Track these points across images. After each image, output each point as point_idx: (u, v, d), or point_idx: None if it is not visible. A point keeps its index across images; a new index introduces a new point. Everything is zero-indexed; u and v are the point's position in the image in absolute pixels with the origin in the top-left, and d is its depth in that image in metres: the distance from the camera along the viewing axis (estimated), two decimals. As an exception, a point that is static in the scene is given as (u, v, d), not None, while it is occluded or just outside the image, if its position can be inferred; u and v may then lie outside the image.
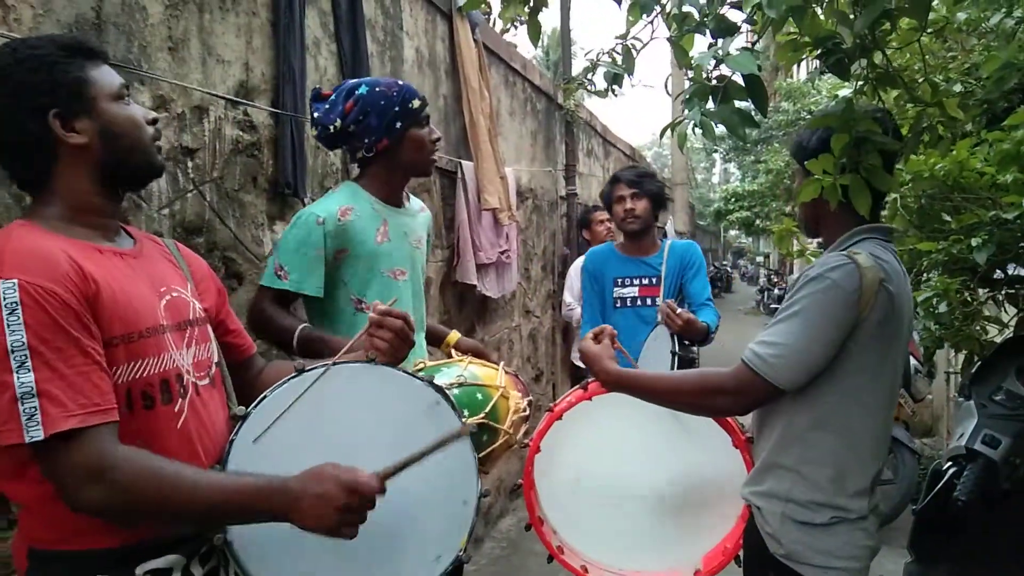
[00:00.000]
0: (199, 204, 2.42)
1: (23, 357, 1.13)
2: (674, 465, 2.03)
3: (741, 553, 1.93)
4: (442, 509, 1.51)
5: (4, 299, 1.13)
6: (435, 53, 4.24)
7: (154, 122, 1.41)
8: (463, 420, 1.52)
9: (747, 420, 1.99)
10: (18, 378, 1.12)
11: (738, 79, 1.31)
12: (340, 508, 1.25)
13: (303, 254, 2.16)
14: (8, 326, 1.13)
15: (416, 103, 2.28)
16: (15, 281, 1.15)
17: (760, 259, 34.52)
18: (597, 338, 1.94)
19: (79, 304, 1.19)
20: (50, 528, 1.26)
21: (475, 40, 4.52)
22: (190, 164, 2.37)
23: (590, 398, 1.99)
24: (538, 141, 6.28)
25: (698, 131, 1.36)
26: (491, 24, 5.83)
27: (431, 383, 1.52)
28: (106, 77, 1.35)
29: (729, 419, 1.96)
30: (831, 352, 1.65)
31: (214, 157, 2.48)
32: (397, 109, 2.24)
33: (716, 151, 22.24)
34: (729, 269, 34.02)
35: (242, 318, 2.43)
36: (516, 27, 7.46)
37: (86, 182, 1.32)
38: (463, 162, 4.36)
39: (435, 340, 2.59)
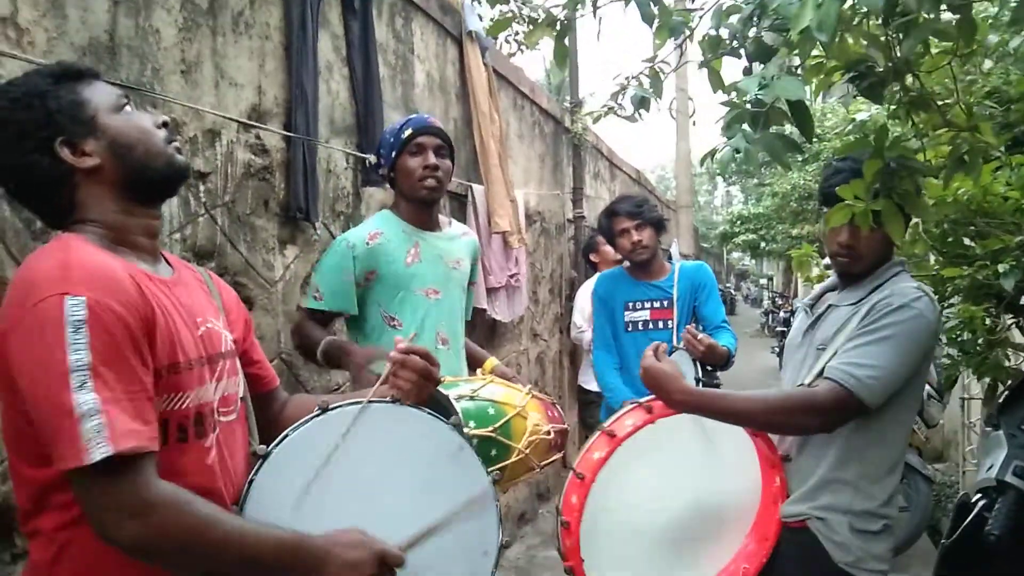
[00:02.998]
0: (210, 228, 2.38)
1: (84, 377, 1.08)
2: (696, 492, 1.96)
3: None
4: (462, 560, 1.47)
5: (70, 316, 1.09)
6: (446, 77, 4.23)
7: (164, 125, 1.36)
8: (490, 473, 1.50)
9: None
10: (78, 397, 1.07)
11: (780, 104, 1.27)
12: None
13: (334, 277, 2.31)
14: (71, 344, 1.08)
15: (407, 132, 2.36)
16: (84, 299, 1.10)
17: (763, 281, 34.49)
18: (656, 356, 1.84)
19: (139, 330, 1.16)
20: (71, 563, 1.21)
21: (485, 64, 4.51)
22: (202, 188, 2.34)
23: (654, 421, 1.85)
24: (546, 164, 6.26)
25: (739, 157, 1.32)
26: (499, 48, 5.83)
27: (456, 427, 1.49)
28: (100, 93, 1.30)
29: (769, 438, 1.95)
30: (910, 376, 1.80)
31: (226, 181, 2.45)
32: (392, 140, 2.39)
33: (719, 174, 22.26)
34: (733, 292, 33.99)
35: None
36: (523, 51, 7.48)
37: (112, 203, 1.28)
38: (473, 185, 4.33)
39: (474, 364, 2.58)
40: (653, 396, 1.87)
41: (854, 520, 1.83)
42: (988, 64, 3.12)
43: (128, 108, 1.33)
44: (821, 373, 1.84)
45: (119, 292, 1.15)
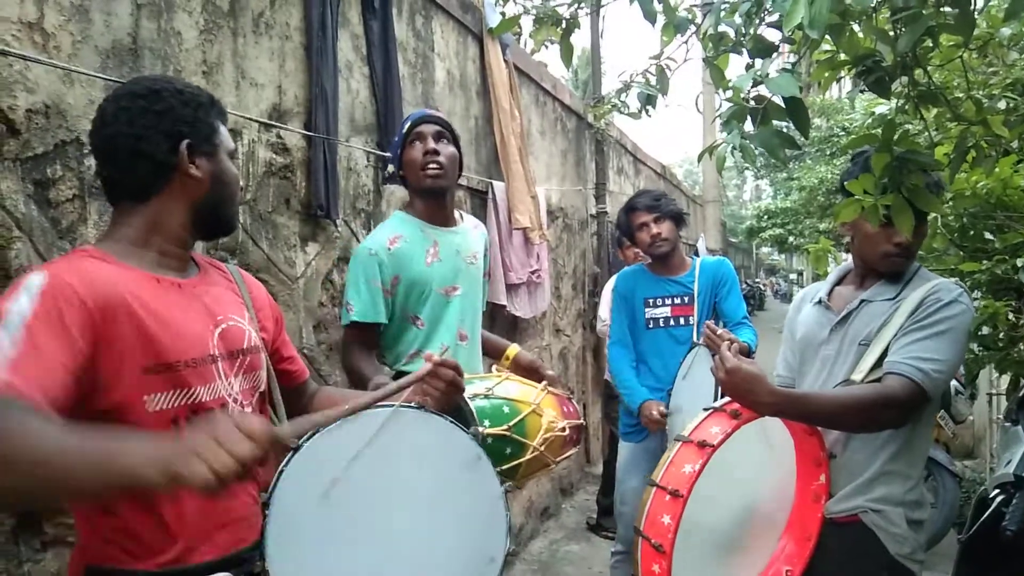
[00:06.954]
0: (232, 226, 2.43)
1: (17, 322, 1.14)
2: (750, 495, 1.94)
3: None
4: (469, 566, 1.51)
5: (29, 284, 1.19)
6: (466, 74, 4.26)
7: (242, 189, 1.49)
8: (503, 484, 1.55)
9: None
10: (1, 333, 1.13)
11: (777, 100, 1.28)
12: (211, 435, 1.02)
13: (362, 287, 2.31)
14: (16, 298, 1.17)
15: (407, 126, 2.40)
16: (45, 272, 1.22)
17: (793, 276, 34.15)
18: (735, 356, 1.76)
19: (99, 318, 1.22)
20: (106, 544, 1.29)
21: (505, 61, 4.53)
22: (224, 187, 2.39)
23: (740, 427, 1.75)
24: (568, 160, 6.27)
25: (737, 154, 1.33)
26: (522, 45, 5.85)
27: (475, 437, 1.54)
28: (227, 136, 1.50)
29: (822, 436, 1.93)
30: None
31: (247, 179, 2.50)
32: (397, 140, 2.43)
33: (748, 168, 22.06)
34: (762, 286, 33.66)
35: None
36: (547, 46, 7.48)
37: (181, 212, 1.42)
38: (494, 182, 4.36)
39: (496, 353, 2.60)
40: (728, 400, 1.80)
41: (907, 511, 1.86)
42: (1014, 55, 3.08)
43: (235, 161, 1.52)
44: (874, 368, 1.84)
45: (88, 283, 1.23)
